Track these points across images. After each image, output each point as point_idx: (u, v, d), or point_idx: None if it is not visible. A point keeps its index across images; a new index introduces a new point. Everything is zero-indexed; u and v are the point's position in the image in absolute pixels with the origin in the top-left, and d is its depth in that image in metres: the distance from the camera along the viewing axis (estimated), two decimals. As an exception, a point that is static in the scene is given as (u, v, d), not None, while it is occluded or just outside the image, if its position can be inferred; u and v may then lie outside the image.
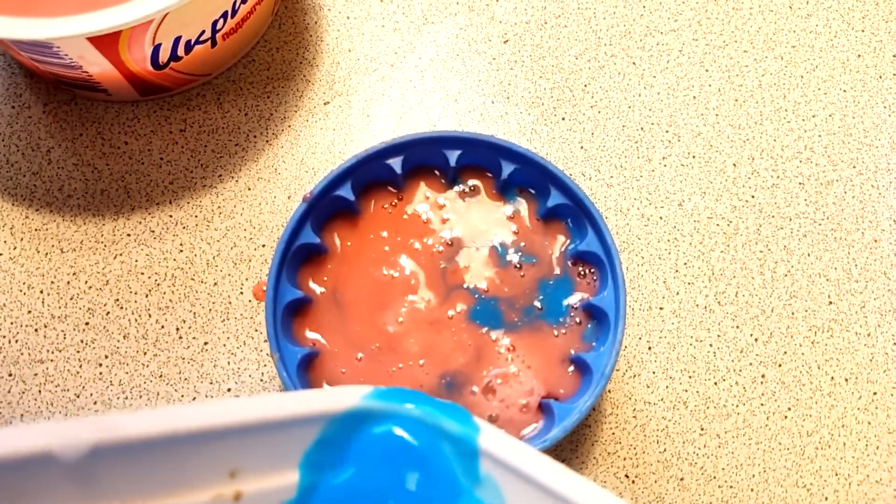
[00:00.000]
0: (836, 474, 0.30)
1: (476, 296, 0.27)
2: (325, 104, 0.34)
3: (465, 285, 0.28)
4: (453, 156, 0.29)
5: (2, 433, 0.15)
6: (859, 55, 0.36)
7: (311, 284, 0.27)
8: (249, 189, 0.32)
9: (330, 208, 0.28)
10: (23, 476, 0.16)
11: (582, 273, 0.28)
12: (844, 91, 0.36)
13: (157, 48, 0.29)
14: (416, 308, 0.27)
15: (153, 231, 0.32)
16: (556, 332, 0.27)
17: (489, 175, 0.29)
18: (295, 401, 0.20)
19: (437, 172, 0.29)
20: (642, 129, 0.34)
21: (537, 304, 0.27)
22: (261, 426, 0.18)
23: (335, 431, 0.20)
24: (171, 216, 0.32)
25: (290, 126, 0.33)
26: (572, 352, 0.27)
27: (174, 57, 0.30)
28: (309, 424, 0.19)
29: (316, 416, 0.20)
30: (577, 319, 0.27)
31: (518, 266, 0.28)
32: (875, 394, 0.31)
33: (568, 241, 0.28)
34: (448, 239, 0.28)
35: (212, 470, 0.18)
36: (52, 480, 0.16)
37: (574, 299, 0.28)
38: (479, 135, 0.29)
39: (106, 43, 0.28)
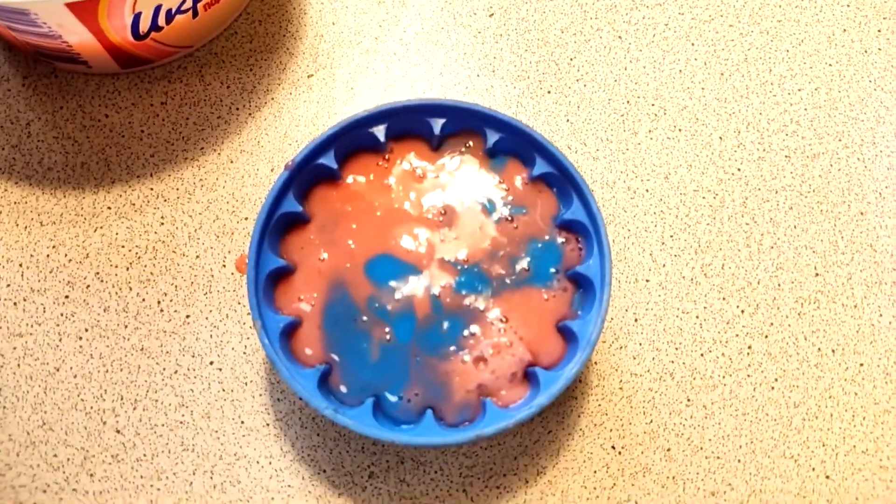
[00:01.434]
0: (823, 445, 0.30)
1: (458, 268, 0.27)
2: (308, 77, 0.34)
3: (446, 258, 0.27)
4: (437, 124, 0.29)
5: None
6: (844, 29, 0.36)
7: (294, 252, 0.27)
8: (232, 162, 0.32)
9: (313, 176, 0.28)
10: None
11: (567, 241, 0.28)
12: (830, 65, 0.36)
13: (137, 17, 0.29)
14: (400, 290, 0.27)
15: (134, 204, 0.31)
16: (545, 296, 0.27)
17: (475, 142, 0.29)
18: None
19: (422, 140, 0.29)
20: (628, 102, 0.34)
21: (524, 264, 0.27)
22: None
23: None
24: (151, 189, 0.32)
25: (273, 99, 0.33)
26: (557, 320, 0.27)
27: (155, 27, 0.30)
28: None
29: None
30: (564, 287, 0.27)
31: (510, 219, 0.28)
32: (861, 365, 0.31)
33: (556, 208, 0.28)
34: (437, 205, 0.28)
35: None
36: None
37: (569, 262, 0.27)
38: (463, 102, 0.28)
39: (85, 10, 0.27)
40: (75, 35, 0.29)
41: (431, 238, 0.28)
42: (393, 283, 0.27)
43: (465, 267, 0.27)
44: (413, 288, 0.27)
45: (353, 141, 0.28)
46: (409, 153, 0.29)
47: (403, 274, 0.27)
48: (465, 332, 0.26)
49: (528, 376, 0.26)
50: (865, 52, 0.36)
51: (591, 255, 0.27)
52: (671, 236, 0.32)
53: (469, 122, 0.29)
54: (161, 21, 0.30)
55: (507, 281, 0.27)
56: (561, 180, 0.28)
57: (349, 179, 0.28)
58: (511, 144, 0.29)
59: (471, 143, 0.29)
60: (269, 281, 0.26)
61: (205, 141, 0.32)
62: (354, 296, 0.27)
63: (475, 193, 0.28)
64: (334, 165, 0.28)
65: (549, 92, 0.34)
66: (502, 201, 0.28)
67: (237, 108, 0.33)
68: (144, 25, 0.30)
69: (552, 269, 0.27)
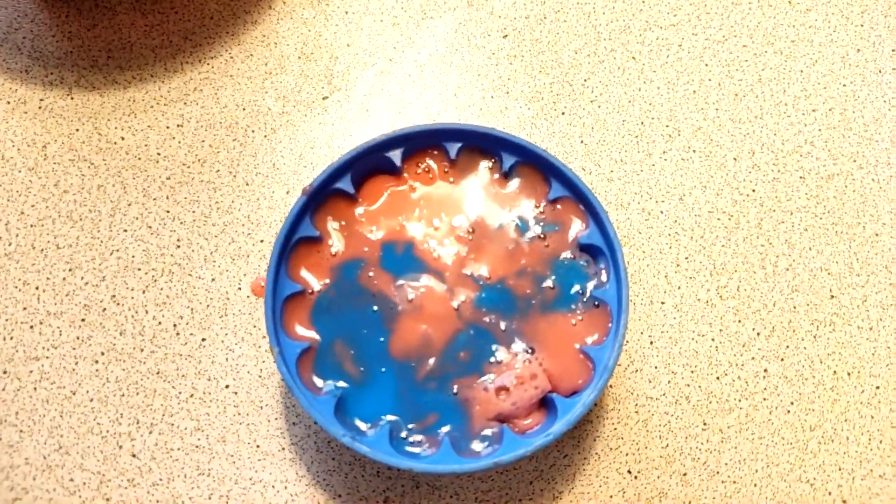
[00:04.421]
0: (840, 469, 0.30)
1: (480, 283, 0.27)
2: (323, 99, 0.34)
3: (470, 272, 0.27)
4: (454, 148, 0.29)
5: None
6: (859, 50, 0.36)
7: (305, 274, 0.27)
8: (248, 184, 0.32)
9: (329, 199, 0.28)
10: None
11: (588, 263, 0.28)
12: (844, 85, 0.36)
13: None
14: (425, 295, 0.27)
15: (150, 227, 0.31)
16: (573, 321, 0.27)
17: (491, 163, 0.29)
18: None
19: (438, 161, 0.29)
20: (642, 123, 0.34)
21: (549, 282, 0.27)
22: None
23: None
24: (168, 212, 0.32)
25: (288, 121, 0.33)
26: (577, 345, 0.27)
27: None
28: None
29: None
30: (587, 308, 0.27)
31: (542, 237, 0.28)
32: (878, 388, 0.31)
33: (584, 227, 0.28)
34: (464, 224, 0.28)
35: None
36: None
37: (591, 285, 0.27)
38: (479, 126, 0.28)
39: None
40: None
41: (458, 252, 0.28)
42: (412, 284, 0.27)
43: (489, 283, 0.27)
44: (433, 298, 0.27)
45: (369, 164, 0.28)
46: (426, 174, 0.29)
47: (424, 281, 0.27)
48: (491, 359, 0.26)
49: (545, 401, 0.26)
50: (880, 72, 0.36)
51: (609, 279, 0.27)
52: (686, 258, 0.32)
53: (485, 144, 0.29)
54: None
55: (534, 302, 0.27)
56: (577, 203, 0.28)
57: (366, 200, 0.28)
58: (527, 167, 0.29)
59: (487, 164, 0.29)
60: (284, 305, 0.26)
61: (220, 163, 0.32)
62: (374, 313, 0.27)
63: (504, 212, 0.28)
64: (351, 190, 0.28)
65: (563, 113, 0.34)
66: (534, 220, 0.28)
67: (252, 131, 0.33)
68: None
69: (576, 288, 0.27)
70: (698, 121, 0.34)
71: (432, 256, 0.28)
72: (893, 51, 0.36)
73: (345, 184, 0.28)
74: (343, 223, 0.28)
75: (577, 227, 0.28)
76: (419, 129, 0.28)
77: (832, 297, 0.32)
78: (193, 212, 0.32)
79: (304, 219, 0.27)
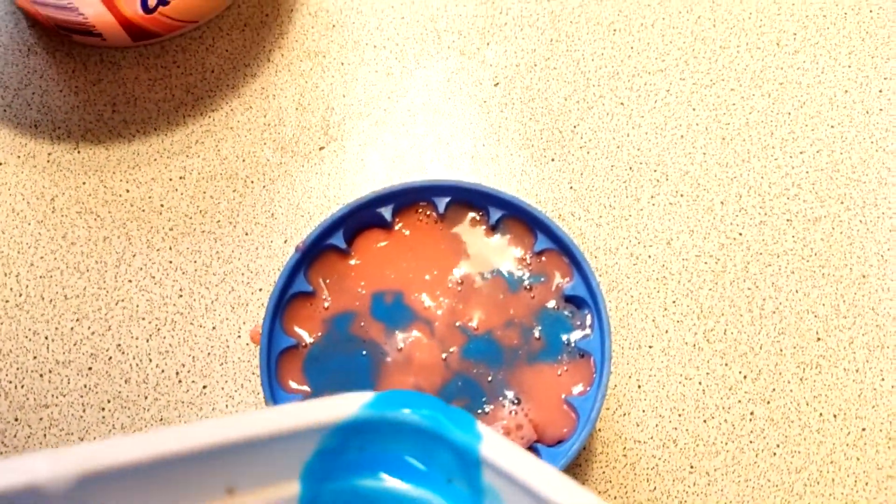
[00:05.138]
0: (826, 511, 0.30)
1: (468, 334, 0.28)
2: (320, 149, 0.35)
3: (457, 323, 0.28)
4: (442, 203, 0.30)
5: None
6: (846, 91, 0.37)
7: (298, 329, 0.28)
8: (247, 234, 0.33)
9: (322, 250, 0.29)
10: None
11: (573, 314, 0.29)
12: (832, 127, 0.36)
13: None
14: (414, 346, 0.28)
15: (153, 277, 0.33)
16: (559, 372, 0.28)
17: (479, 216, 0.30)
18: (291, 414, 0.19)
19: (427, 214, 0.30)
20: (631, 168, 0.35)
21: (536, 333, 0.28)
22: (257, 442, 0.18)
23: (335, 441, 0.19)
24: (171, 262, 0.33)
25: (286, 172, 0.34)
26: (563, 395, 0.27)
27: (161, 1, 0.33)
28: (307, 436, 0.19)
29: (314, 427, 0.19)
30: (573, 358, 0.28)
31: (528, 287, 0.29)
32: (864, 430, 0.31)
33: (568, 278, 0.29)
34: (455, 277, 0.29)
35: (207, 490, 0.18)
36: None
37: (575, 335, 0.28)
38: (466, 183, 0.29)
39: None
40: (90, 7, 0.32)
41: (447, 303, 0.28)
42: (402, 335, 0.28)
43: (477, 334, 0.28)
44: (422, 348, 0.28)
45: (361, 219, 0.29)
46: (416, 228, 0.30)
47: (414, 332, 0.28)
48: (479, 410, 0.27)
49: (531, 450, 0.27)
50: (867, 112, 0.36)
51: (594, 331, 0.28)
52: (673, 302, 0.33)
53: (472, 199, 0.30)
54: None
55: (520, 353, 0.28)
56: (561, 256, 0.29)
57: (358, 253, 0.29)
58: (513, 220, 0.30)
59: (475, 217, 0.30)
60: (278, 358, 0.28)
61: (221, 214, 0.34)
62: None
63: (492, 264, 0.29)
64: (343, 245, 0.29)
65: (552, 160, 0.35)
66: (520, 270, 0.29)
67: (252, 182, 0.34)
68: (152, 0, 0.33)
69: (564, 338, 0.28)
70: (686, 165, 0.35)
71: (423, 307, 0.29)
72: (881, 91, 0.37)
73: (337, 239, 0.29)
74: (335, 277, 0.29)
75: (562, 279, 0.29)
76: (408, 186, 0.29)
77: (819, 339, 0.33)
78: (195, 262, 0.33)
79: (297, 275, 0.28)
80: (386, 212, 0.29)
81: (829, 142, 0.36)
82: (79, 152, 0.35)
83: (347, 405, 0.20)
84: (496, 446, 0.19)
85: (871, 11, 0.38)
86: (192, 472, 0.17)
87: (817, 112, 0.36)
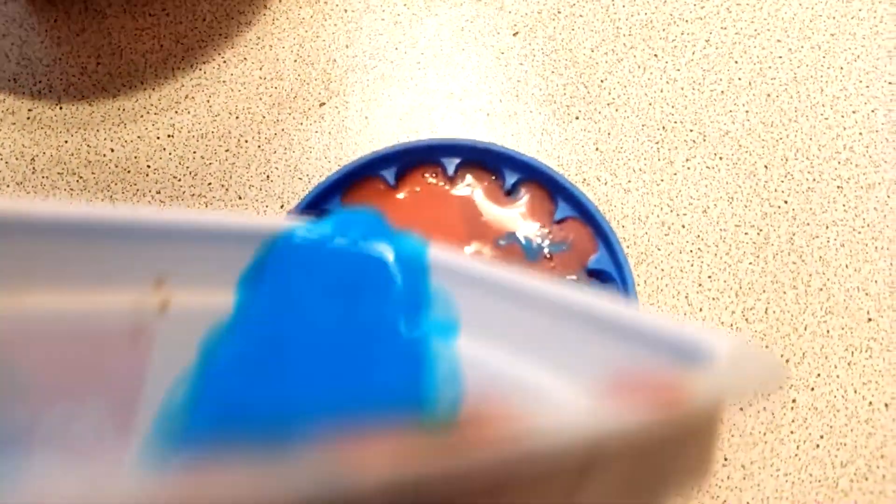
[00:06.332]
0: (874, 510, 0.27)
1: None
2: (320, 105, 0.32)
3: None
4: (451, 164, 0.27)
5: None
6: (907, 42, 0.33)
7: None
8: (240, 198, 0.31)
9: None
10: None
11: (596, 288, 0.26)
12: (890, 83, 0.32)
13: None
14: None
15: None
16: None
17: (493, 177, 0.27)
18: (229, 217, 0.19)
19: (436, 173, 0.27)
20: (664, 128, 0.32)
21: None
22: (191, 234, 0.17)
23: (275, 253, 0.19)
24: (157, 228, 0.30)
25: (283, 130, 0.31)
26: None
27: None
28: (245, 243, 0.19)
29: (251, 233, 0.19)
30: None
31: (549, 256, 0.26)
32: (919, 421, 0.28)
33: (594, 248, 0.26)
34: (468, 245, 0.26)
35: (136, 270, 0.17)
36: None
37: None
38: (477, 142, 0.26)
39: None
40: None
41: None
42: None
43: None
44: None
45: (360, 181, 0.27)
46: (423, 192, 0.27)
47: None
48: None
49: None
50: (930, 67, 0.33)
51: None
52: (709, 277, 0.30)
53: (485, 160, 0.27)
54: None
55: None
56: (585, 225, 0.26)
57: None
58: (532, 184, 0.27)
59: (491, 175, 0.27)
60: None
61: (212, 176, 0.31)
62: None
63: (508, 231, 0.26)
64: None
65: (577, 118, 0.32)
66: (539, 238, 0.26)
67: (246, 140, 0.31)
68: None
69: None
70: (726, 124, 0.32)
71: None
72: (947, 43, 0.33)
73: (333, 205, 0.26)
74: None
75: (586, 250, 0.26)
76: (414, 146, 0.26)
77: (870, 319, 0.29)
78: (184, 228, 0.30)
79: (290, 244, 0.25)
80: (389, 175, 0.26)
81: (885, 100, 0.32)
82: (61, 108, 0.32)
83: (284, 221, 0.19)
84: (442, 251, 0.19)
85: (937, -47, 0.34)
86: (122, 248, 0.17)
87: (873, 67, 0.33)
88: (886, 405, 0.28)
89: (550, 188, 0.26)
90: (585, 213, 0.26)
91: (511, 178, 0.26)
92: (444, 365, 0.18)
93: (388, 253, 0.19)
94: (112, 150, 0.31)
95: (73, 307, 0.16)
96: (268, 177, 0.31)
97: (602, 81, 0.32)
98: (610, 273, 0.25)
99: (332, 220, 0.20)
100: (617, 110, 0.32)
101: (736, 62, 0.32)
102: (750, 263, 0.30)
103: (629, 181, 0.31)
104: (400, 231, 0.20)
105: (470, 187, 0.27)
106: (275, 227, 0.19)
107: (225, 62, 0.32)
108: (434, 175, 0.27)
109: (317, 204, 0.26)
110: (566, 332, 0.17)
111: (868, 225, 0.30)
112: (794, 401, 0.28)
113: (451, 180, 0.27)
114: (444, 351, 0.19)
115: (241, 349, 0.18)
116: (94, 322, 0.16)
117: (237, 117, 0.32)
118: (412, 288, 0.19)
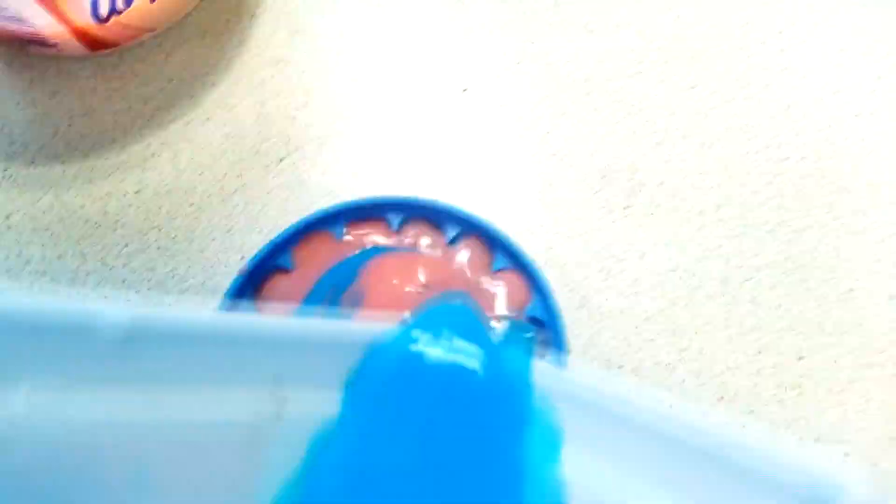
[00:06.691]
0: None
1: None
2: (280, 160, 0.34)
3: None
4: (396, 219, 0.28)
5: (48, 300, 0.16)
6: (835, 91, 0.35)
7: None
8: (202, 252, 0.32)
9: (269, 272, 0.28)
10: (64, 343, 0.16)
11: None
12: (819, 131, 0.34)
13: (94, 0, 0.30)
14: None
15: (106, 297, 0.32)
16: None
17: (434, 234, 0.29)
18: (335, 325, 0.19)
19: (380, 231, 0.29)
20: (604, 177, 0.33)
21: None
22: (304, 340, 0.18)
23: (375, 358, 0.19)
24: (124, 281, 0.32)
25: (244, 184, 0.33)
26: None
27: (114, 10, 0.31)
28: (351, 349, 0.19)
29: (357, 338, 0.19)
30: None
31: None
32: (847, 455, 0.30)
33: (525, 299, 0.28)
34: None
35: (254, 376, 0.18)
36: (92, 353, 0.16)
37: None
38: (420, 199, 0.28)
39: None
40: (39, 19, 0.30)
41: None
42: None
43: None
44: None
45: (311, 234, 0.28)
46: (368, 238, 0.29)
47: None
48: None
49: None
50: (856, 115, 0.34)
51: (552, 353, 0.26)
52: (646, 319, 0.31)
53: (428, 215, 0.28)
54: (120, 4, 0.31)
55: None
56: (521, 275, 0.28)
57: (303, 266, 0.28)
58: (471, 237, 0.28)
59: (430, 236, 0.29)
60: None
61: (177, 230, 0.33)
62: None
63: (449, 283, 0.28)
64: (290, 265, 0.28)
65: (520, 170, 0.33)
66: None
67: (209, 195, 0.33)
68: (104, 9, 0.30)
69: None
70: (662, 173, 0.33)
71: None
72: (873, 91, 0.35)
73: (284, 260, 0.28)
74: (279, 299, 0.28)
75: (521, 300, 0.27)
76: (359, 203, 0.28)
77: (801, 358, 0.31)
78: (149, 280, 0.32)
79: (242, 297, 0.27)
80: (336, 230, 0.28)
81: (815, 147, 0.34)
82: (35, 167, 0.34)
83: (384, 326, 0.20)
84: (548, 368, 0.19)
85: (863, 7, 0.36)
86: (241, 358, 0.18)
87: (804, 115, 0.35)
88: (816, 440, 0.30)
89: (489, 241, 0.28)
90: (521, 264, 0.27)
91: (452, 232, 0.28)
92: (546, 487, 0.18)
93: (489, 365, 0.19)
94: (83, 207, 0.33)
95: (198, 414, 0.17)
96: (229, 230, 0.33)
97: (547, 133, 0.34)
98: (543, 321, 0.27)
99: (426, 318, 0.20)
100: (560, 161, 0.34)
101: (672, 114, 0.34)
102: (685, 305, 0.32)
103: (570, 228, 0.33)
104: (496, 332, 0.19)
105: (412, 240, 0.28)
106: (375, 333, 0.19)
107: (190, 121, 0.34)
108: (379, 230, 0.28)
109: (271, 257, 0.28)
110: (679, 461, 0.17)
111: (799, 267, 0.32)
112: None
113: (397, 234, 0.28)
114: (547, 472, 0.18)
115: (345, 460, 0.19)
116: (216, 428, 0.17)
117: (201, 174, 0.33)
118: (514, 405, 0.19)
